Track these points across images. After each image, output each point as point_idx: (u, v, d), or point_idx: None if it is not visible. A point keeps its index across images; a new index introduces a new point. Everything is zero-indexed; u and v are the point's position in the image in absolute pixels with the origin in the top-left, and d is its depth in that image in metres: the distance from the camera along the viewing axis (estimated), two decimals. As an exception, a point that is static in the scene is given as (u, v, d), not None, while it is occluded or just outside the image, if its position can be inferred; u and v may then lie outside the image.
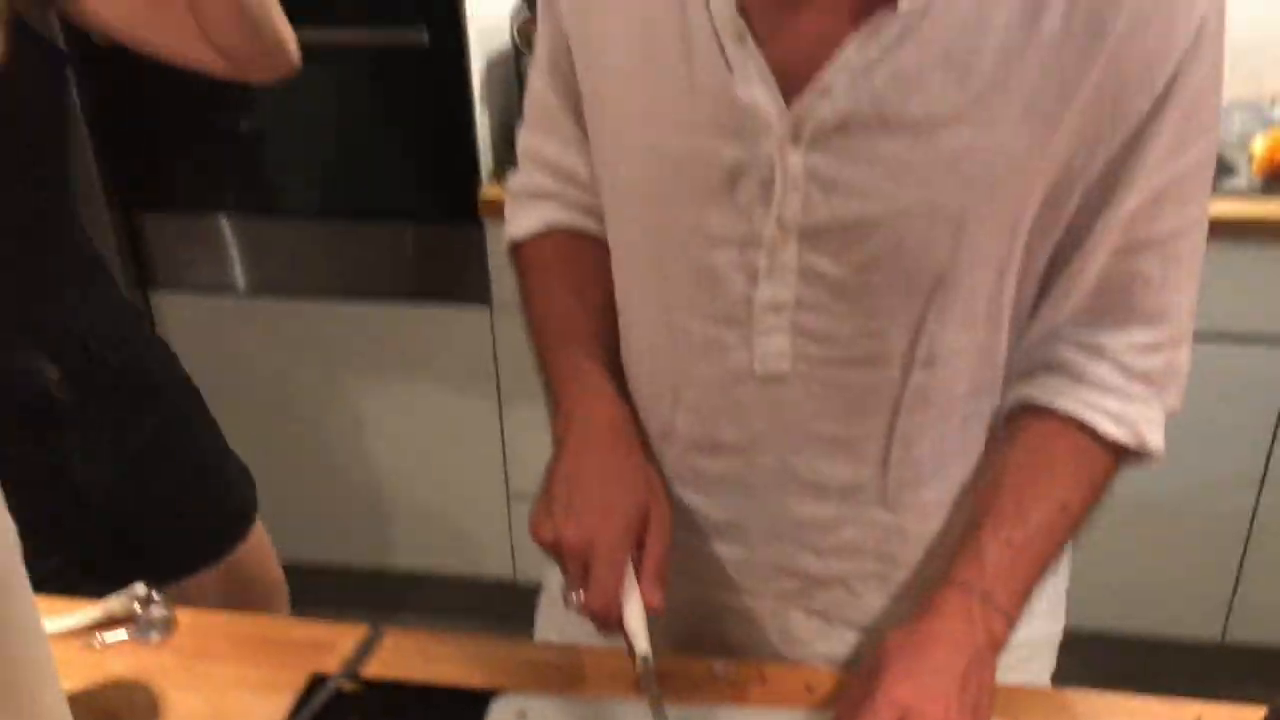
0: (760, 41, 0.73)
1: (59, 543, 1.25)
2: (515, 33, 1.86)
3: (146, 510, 1.35)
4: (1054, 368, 0.82)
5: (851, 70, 0.71)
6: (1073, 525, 0.81)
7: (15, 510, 0.66)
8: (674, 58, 0.76)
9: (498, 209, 1.90)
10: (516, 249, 0.97)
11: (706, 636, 0.95)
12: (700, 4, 0.74)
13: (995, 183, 0.72)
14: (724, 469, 0.87)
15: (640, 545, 0.79)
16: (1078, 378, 0.81)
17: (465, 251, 1.99)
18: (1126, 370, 0.80)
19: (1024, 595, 0.79)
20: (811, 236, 0.76)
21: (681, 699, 0.83)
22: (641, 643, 0.77)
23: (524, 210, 0.96)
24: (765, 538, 0.89)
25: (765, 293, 0.79)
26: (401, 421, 2.18)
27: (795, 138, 0.73)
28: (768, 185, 0.75)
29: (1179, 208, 0.76)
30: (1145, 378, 0.80)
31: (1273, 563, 1.98)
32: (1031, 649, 0.93)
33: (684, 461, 0.89)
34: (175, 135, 2.04)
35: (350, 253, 2.06)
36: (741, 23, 0.73)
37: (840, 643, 0.92)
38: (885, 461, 0.84)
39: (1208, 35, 0.70)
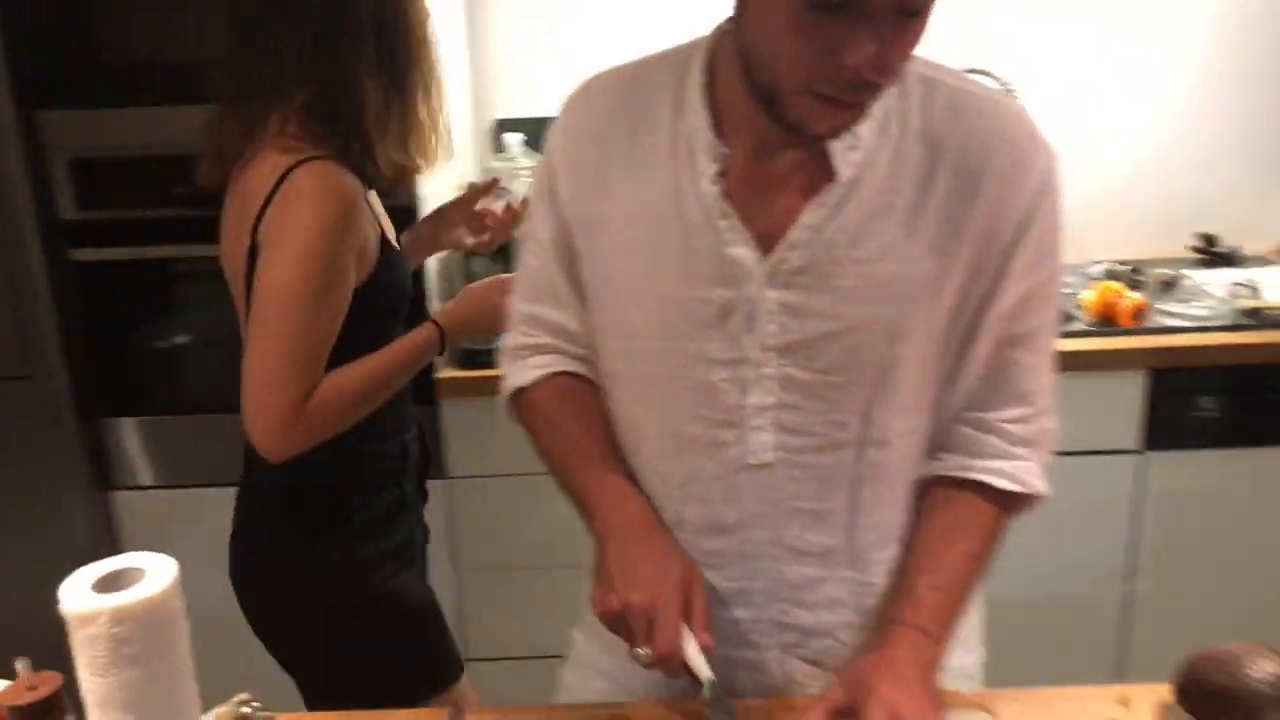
0: (740, 213, 1.00)
1: None
2: (463, 236, 2.13)
3: None
4: (955, 445, 1.08)
5: (809, 229, 0.99)
6: (979, 569, 1.07)
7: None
8: (673, 229, 1.02)
9: (451, 388, 2.15)
10: (519, 396, 1.17)
11: (723, 687, 1.12)
12: (692, 193, 1.01)
13: (915, 300, 1.01)
14: (727, 545, 1.08)
15: (688, 604, 1.00)
16: (975, 452, 1.07)
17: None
18: (1010, 438, 1.06)
19: (950, 627, 1.03)
20: (786, 352, 1.02)
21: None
22: (706, 672, 0.97)
23: (526, 364, 1.16)
24: (766, 599, 1.09)
25: (753, 399, 1.03)
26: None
27: (771, 281, 1.00)
28: (751, 317, 1.01)
29: (1039, 310, 1.04)
30: (1025, 442, 1.07)
31: (1146, 644, 2.26)
32: (961, 672, 1.14)
33: (694, 544, 1.08)
34: (140, 348, 2.21)
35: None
36: (726, 205, 1.00)
37: (826, 684, 1.11)
38: (851, 527, 1.07)
39: (1048, 185, 1.01)
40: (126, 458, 2.24)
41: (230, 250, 1.54)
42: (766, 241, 1.00)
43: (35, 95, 2.04)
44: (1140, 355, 2.10)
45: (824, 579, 1.08)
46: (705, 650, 0.98)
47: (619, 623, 0.99)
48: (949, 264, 1.00)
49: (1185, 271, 2.38)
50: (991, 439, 1.06)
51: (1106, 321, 2.17)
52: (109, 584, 0.89)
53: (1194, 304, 2.22)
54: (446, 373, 2.17)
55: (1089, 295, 2.21)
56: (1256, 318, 2.17)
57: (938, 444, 1.09)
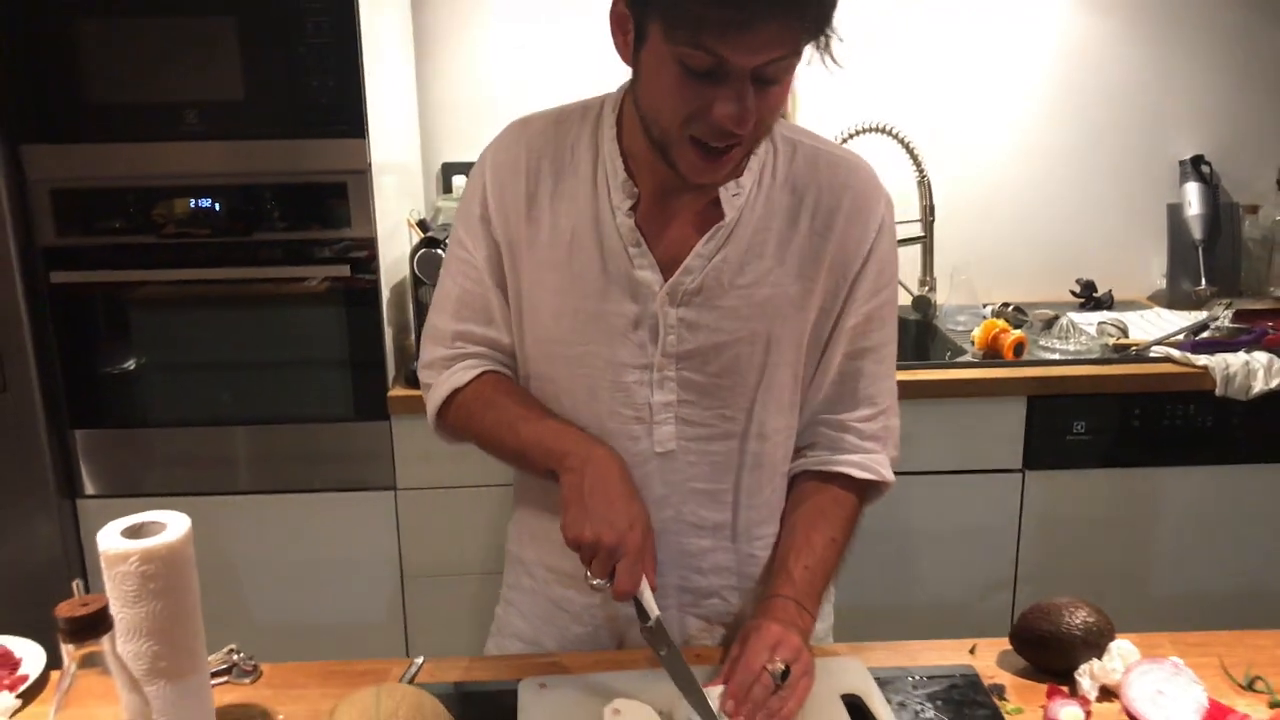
0: (648, 242, 1.22)
1: None
2: (415, 267, 2.33)
3: None
4: (818, 444, 1.32)
5: (701, 257, 1.21)
6: (840, 550, 1.29)
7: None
8: (593, 252, 1.22)
9: (401, 406, 2.34)
10: (451, 400, 1.29)
11: (629, 640, 1.33)
12: (610, 222, 1.22)
13: (785, 317, 1.24)
14: None
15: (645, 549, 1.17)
16: (835, 448, 1.31)
17: (375, 444, 2.38)
18: (861, 434, 1.30)
19: (818, 599, 1.26)
20: (684, 359, 1.24)
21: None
22: (654, 609, 1.15)
23: (456, 370, 1.29)
24: (670, 566, 1.29)
25: (659, 397, 1.24)
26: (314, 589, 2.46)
27: (670, 299, 1.22)
28: (654, 330, 1.23)
29: (880, 327, 1.29)
30: (874, 437, 1.31)
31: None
32: (814, 636, 1.35)
33: None
34: (118, 360, 2.37)
35: (275, 451, 2.40)
36: (638, 234, 1.21)
37: (715, 638, 1.34)
38: (737, 506, 1.30)
39: (885, 226, 1.26)
40: (92, 467, 2.39)
41: None
42: (668, 267, 1.22)
43: (21, 130, 2.21)
44: (1020, 384, 2.36)
45: (714, 549, 1.30)
46: (651, 589, 1.17)
47: (586, 552, 1.13)
48: (811, 287, 1.23)
49: (1066, 313, 2.66)
50: (847, 436, 1.30)
51: (991, 354, 2.44)
52: (135, 533, 1.07)
53: (1070, 340, 2.49)
54: (397, 391, 2.37)
55: (977, 332, 2.47)
56: (1123, 353, 2.45)
57: (802, 443, 1.32)
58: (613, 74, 1.24)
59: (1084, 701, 1.15)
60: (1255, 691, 1.17)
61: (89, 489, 2.39)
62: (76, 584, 0.95)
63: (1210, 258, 2.82)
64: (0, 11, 2.14)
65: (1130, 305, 2.87)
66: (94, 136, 2.22)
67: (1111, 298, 2.86)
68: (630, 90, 1.15)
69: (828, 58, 1.05)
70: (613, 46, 1.13)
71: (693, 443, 1.26)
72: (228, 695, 1.23)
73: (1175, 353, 2.40)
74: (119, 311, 2.36)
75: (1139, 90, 2.90)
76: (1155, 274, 2.97)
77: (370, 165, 2.26)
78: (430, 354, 1.33)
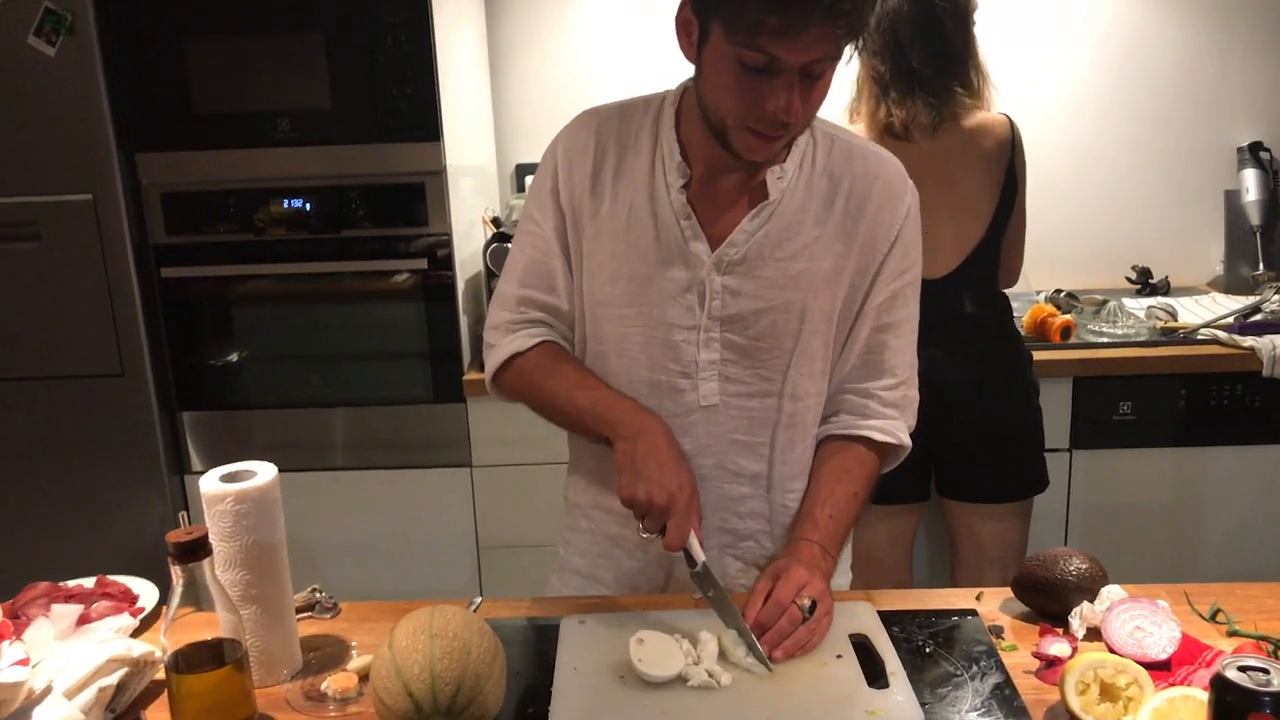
0: (698, 217, 1.36)
1: None
2: (489, 261, 2.51)
3: None
4: (844, 410, 1.45)
5: (745, 232, 1.36)
6: (860, 504, 1.42)
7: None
8: (648, 223, 1.37)
9: (476, 389, 2.52)
10: (510, 362, 1.42)
11: (675, 572, 1.46)
12: (665, 198, 1.37)
13: (818, 290, 1.37)
14: None
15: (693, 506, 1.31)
16: (859, 414, 1.43)
17: (453, 425, 2.57)
18: (883, 401, 1.43)
19: (839, 547, 1.39)
20: (727, 322, 1.38)
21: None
22: (700, 555, 1.29)
23: (519, 335, 1.43)
24: (711, 510, 1.43)
25: (704, 356, 1.39)
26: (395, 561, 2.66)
27: (717, 268, 1.36)
28: (702, 294, 1.37)
29: (903, 305, 1.42)
30: (894, 405, 1.44)
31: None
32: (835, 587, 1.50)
33: None
34: (221, 348, 2.61)
35: (360, 431, 2.61)
36: (689, 209, 1.36)
37: (750, 579, 1.46)
38: (773, 460, 1.43)
39: (911, 215, 1.39)
40: (198, 446, 2.63)
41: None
42: (715, 240, 1.37)
43: (136, 139, 2.45)
44: (1066, 365, 2.44)
45: (751, 496, 1.44)
46: (699, 541, 1.31)
47: (639, 509, 1.27)
48: (843, 264, 1.37)
49: (1118, 298, 2.72)
50: (870, 403, 1.43)
51: (1039, 337, 2.52)
52: (231, 479, 1.25)
53: (1118, 324, 2.56)
54: (472, 375, 2.55)
55: (1025, 316, 2.56)
56: (1170, 336, 2.51)
57: (829, 410, 1.46)
58: (674, 79, 1.40)
59: (1072, 639, 1.26)
60: (1217, 624, 1.27)
61: (196, 466, 2.63)
62: (183, 514, 1.14)
63: (1268, 243, 2.85)
64: (119, 33, 2.39)
65: (1188, 291, 2.91)
66: (199, 144, 2.46)
67: (1168, 284, 2.91)
68: (694, 85, 1.30)
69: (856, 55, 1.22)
70: (676, 50, 1.29)
71: (734, 399, 1.40)
72: (310, 628, 1.40)
73: (1222, 334, 2.45)
74: (222, 304, 2.59)
75: (1196, 76, 2.94)
76: (1214, 260, 3.01)
77: (446, 167, 2.44)
78: (496, 317, 1.47)
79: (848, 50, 1.22)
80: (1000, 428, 2.27)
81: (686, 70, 1.33)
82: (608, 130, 1.40)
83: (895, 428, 1.43)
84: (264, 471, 1.27)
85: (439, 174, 2.45)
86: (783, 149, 1.32)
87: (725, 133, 1.26)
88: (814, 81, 1.22)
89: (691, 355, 1.39)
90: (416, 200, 2.48)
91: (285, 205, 2.50)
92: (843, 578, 1.54)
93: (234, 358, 2.62)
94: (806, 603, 1.25)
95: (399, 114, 2.41)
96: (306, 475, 2.58)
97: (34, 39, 2.32)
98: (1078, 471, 2.50)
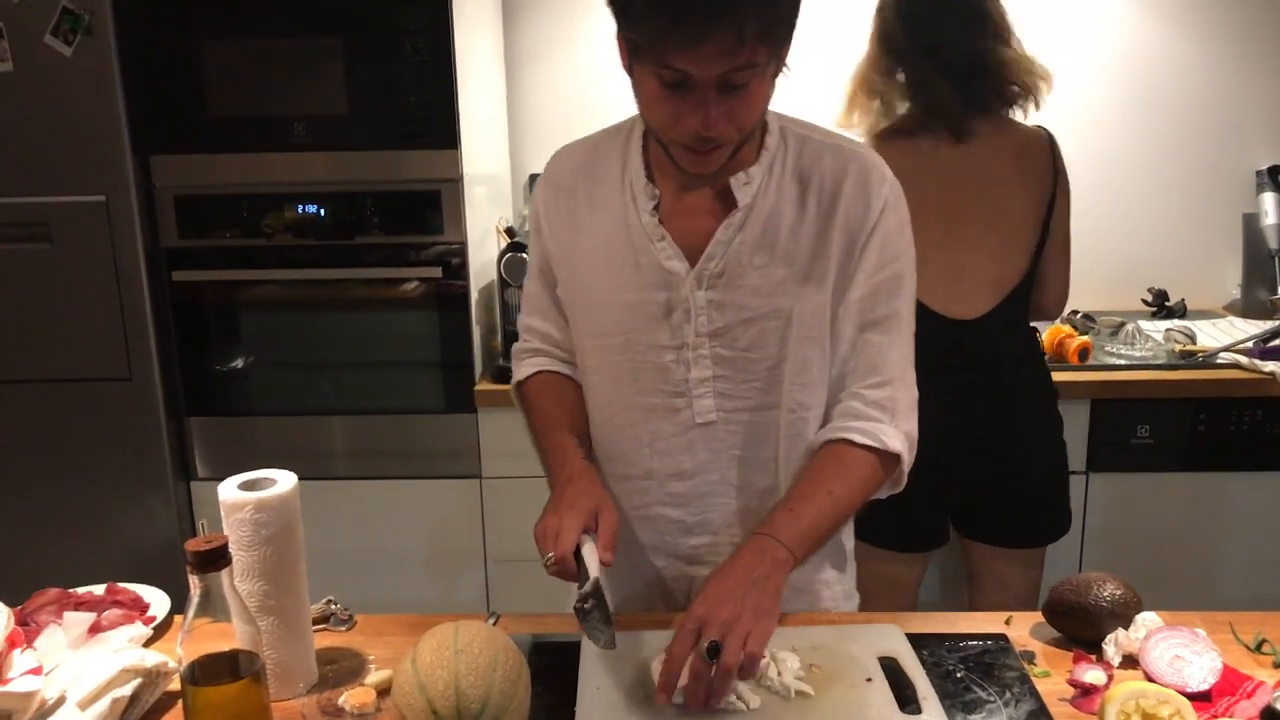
0: (672, 235, 1.34)
1: None
2: (502, 270, 2.49)
3: None
4: (833, 413, 1.39)
5: (721, 244, 1.33)
6: (838, 504, 1.33)
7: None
8: (625, 250, 1.36)
9: (487, 399, 2.49)
10: (520, 387, 1.52)
11: (684, 599, 1.44)
12: (637, 222, 1.35)
13: (802, 294, 1.34)
14: (688, 487, 1.41)
15: (596, 525, 1.29)
16: (843, 415, 1.38)
17: (463, 435, 2.54)
18: (865, 401, 1.38)
19: (802, 538, 1.28)
20: (715, 336, 1.35)
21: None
22: (592, 572, 1.22)
23: (524, 363, 1.52)
24: (722, 526, 1.41)
25: (695, 373, 1.37)
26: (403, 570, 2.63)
27: (698, 284, 1.34)
28: (687, 312, 1.35)
29: (887, 300, 1.36)
30: (878, 405, 1.37)
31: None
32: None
33: (663, 489, 1.42)
34: (230, 354, 2.58)
35: (370, 440, 2.58)
36: (662, 229, 1.35)
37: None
38: (779, 474, 1.40)
39: (889, 206, 1.34)
40: (204, 452, 2.60)
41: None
42: (692, 255, 1.35)
43: (150, 141, 2.43)
44: (1083, 387, 2.42)
45: (761, 509, 1.39)
46: (604, 564, 1.26)
47: (539, 541, 1.28)
48: (825, 265, 1.34)
49: (1135, 320, 2.70)
50: (853, 404, 1.38)
51: (1057, 358, 2.50)
52: (250, 486, 1.23)
53: (1136, 346, 2.54)
54: (483, 386, 2.52)
55: (1043, 337, 2.53)
56: (1189, 359, 2.49)
57: (827, 420, 1.41)
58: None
59: (1107, 666, 1.23)
60: (1261, 654, 1.24)
61: (201, 472, 2.60)
62: (202, 523, 1.11)
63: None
64: (136, 34, 2.37)
65: (1204, 314, 2.90)
66: (213, 147, 2.44)
67: (1184, 307, 2.89)
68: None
69: (784, 66, 1.23)
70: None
71: (732, 414, 1.38)
72: (325, 640, 1.37)
73: (1243, 359, 2.43)
74: (232, 309, 2.57)
75: (1215, 98, 2.93)
76: (1230, 284, 2.99)
77: (462, 175, 2.42)
78: (518, 342, 1.56)
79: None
80: (1033, 473, 2.16)
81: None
82: (580, 165, 1.42)
83: (879, 430, 1.36)
84: (284, 480, 1.24)
85: (455, 182, 2.43)
86: (725, 162, 1.28)
87: (666, 147, 1.27)
88: (739, 92, 1.19)
89: (682, 374, 1.37)
90: (431, 207, 2.46)
91: (299, 210, 2.47)
92: (848, 602, 1.51)
93: (242, 363, 2.60)
94: (704, 645, 1.13)
95: (416, 120, 2.39)
96: (314, 484, 2.51)
97: (51, 38, 2.31)
98: (1094, 495, 2.47)
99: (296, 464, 2.56)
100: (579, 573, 1.24)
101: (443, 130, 2.39)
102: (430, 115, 2.39)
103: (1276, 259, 2.83)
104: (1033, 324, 2.19)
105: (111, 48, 2.33)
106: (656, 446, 1.40)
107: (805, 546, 1.30)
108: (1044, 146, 2.10)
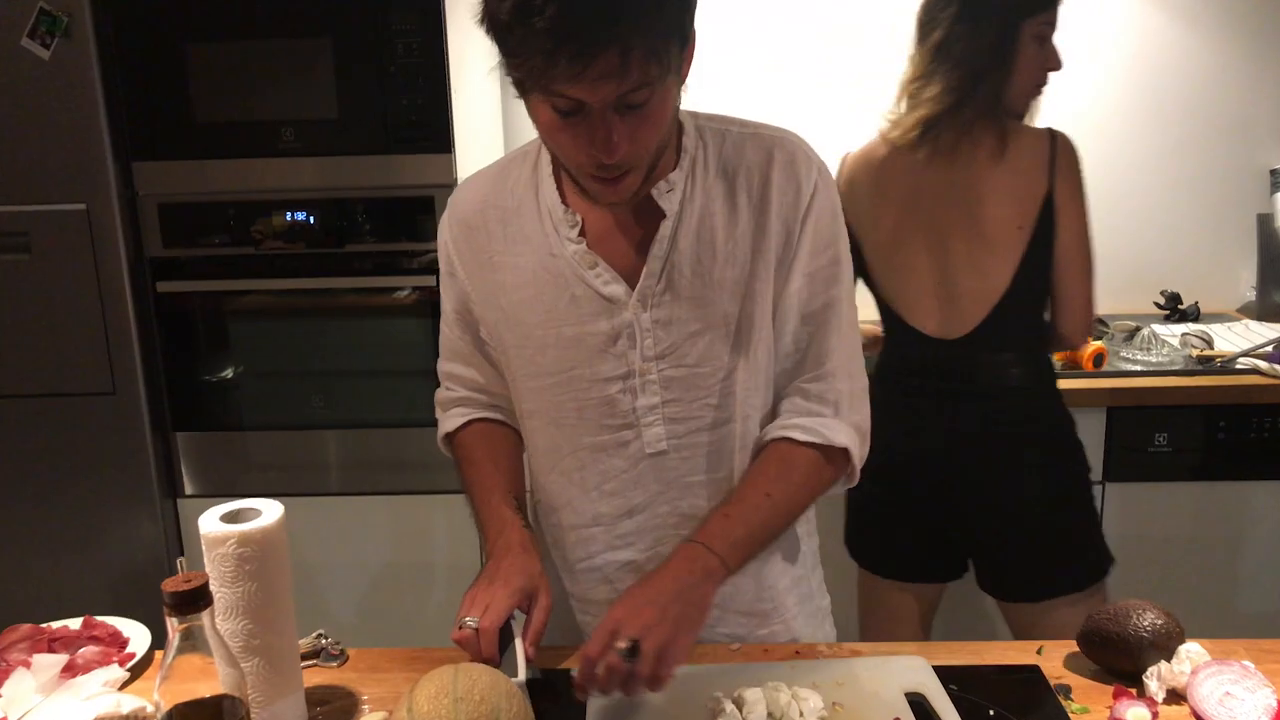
0: (604, 259, 1.26)
1: None
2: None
3: None
4: (777, 411, 1.31)
5: (658, 259, 1.25)
6: (777, 508, 1.27)
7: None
8: (554, 284, 1.28)
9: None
10: (450, 440, 1.45)
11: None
12: (564, 253, 1.27)
13: (748, 295, 1.26)
14: (639, 524, 1.33)
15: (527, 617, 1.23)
16: (783, 412, 1.31)
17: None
18: (807, 395, 1.30)
19: (736, 546, 1.22)
20: (662, 358, 1.27)
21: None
22: (521, 676, 1.17)
23: (450, 414, 1.44)
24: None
25: (643, 401, 1.29)
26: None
27: (642, 305, 1.26)
28: (632, 337, 1.27)
29: (826, 288, 1.28)
30: (821, 399, 1.30)
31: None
32: (816, 612, 1.42)
33: (613, 530, 1.33)
34: (217, 366, 2.50)
35: (362, 454, 2.50)
36: (592, 255, 1.26)
37: (731, 625, 1.35)
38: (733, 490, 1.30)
39: (819, 190, 1.27)
40: (191, 469, 2.51)
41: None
42: (629, 276, 1.27)
43: (133, 147, 2.34)
44: (1099, 395, 2.35)
45: None
46: (528, 657, 1.20)
47: (465, 606, 1.22)
48: (765, 260, 1.26)
49: (1149, 324, 2.62)
50: (796, 399, 1.31)
51: (1071, 364, 2.42)
52: (233, 518, 1.14)
53: (1152, 351, 2.47)
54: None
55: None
56: (1207, 364, 2.41)
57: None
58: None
59: (1150, 703, 1.15)
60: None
61: (189, 489, 2.51)
62: (181, 561, 1.03)
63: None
64: (117, 36, 2.28)
65: (1218, 318, 2.83)
66: (199, 153, 2.35)
67: (1198, 309, 2.82)
68: None
69: (683, 77, 1.15)
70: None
71: (684, 438, 1.30)
72: (316, 677, 1.29)
73: (1263, 364, 2.36)
74: (219, 320, 2.48)
75: (1228, 97, 2.86)
76: (1244, 286, 2.92)
77: (456, 180, 2.34)
78: (441, 390, 1.48)
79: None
80: (1049, 520, 1.93)
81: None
82: (488, 197, 1.34)
83: (822, 425, 1.29)
84: (269, 510, 1.16)
85: (449, 187, 2.34)
86: (638, 186, 1.20)
87: (574, 177, 1.20)
88: (638, 111, 1.11)
89: (629, 404, 1.29)
90: (423, 213, 2.37)
91: (288, 218, 2.39)
92: (819, 630, 1.43)
93: (230, 375, 2.51)
94: (623, 645, 1.10)
95: (408, 124, 2.31)
96: (303, 500, 2.46)
97: (28, 41, 2.22)
98: (1110, 504, 2.40)
99: (285, 479, 2.51)
100: (501, 654, 1.19)
101: (435, 134, 2.31)
102: (422, 119, 2.31)
103: (1292, 260, 2.77)
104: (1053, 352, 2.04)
105: (91, 50, 2.24)
106: (605, 488, 1.33)
107: (740, 555, 1.24)
108: (1040, 146, 1.88)
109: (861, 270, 2.00)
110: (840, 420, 1.30)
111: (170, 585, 0.99)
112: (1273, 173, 2.85)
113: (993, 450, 1.93)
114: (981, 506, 1.95)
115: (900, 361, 2.01)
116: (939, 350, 1.95)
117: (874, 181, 1.98)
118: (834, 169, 1.89)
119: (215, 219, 2.38)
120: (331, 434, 2.50)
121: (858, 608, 2.17)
